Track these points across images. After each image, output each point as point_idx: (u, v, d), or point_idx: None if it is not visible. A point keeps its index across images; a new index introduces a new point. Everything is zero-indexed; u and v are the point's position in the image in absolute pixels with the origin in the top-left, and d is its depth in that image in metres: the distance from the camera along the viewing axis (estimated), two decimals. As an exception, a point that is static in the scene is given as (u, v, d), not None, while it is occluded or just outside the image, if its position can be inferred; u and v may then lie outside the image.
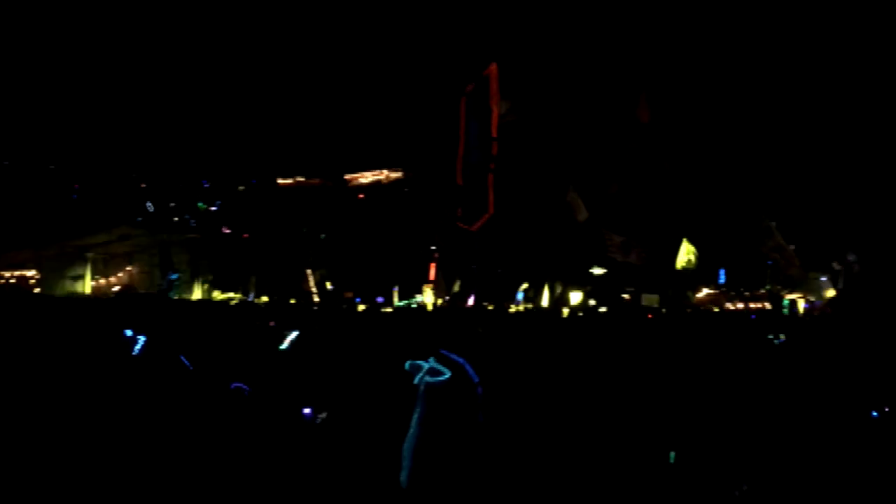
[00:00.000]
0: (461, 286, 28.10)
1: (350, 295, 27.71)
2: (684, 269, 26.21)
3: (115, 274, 27.82)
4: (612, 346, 11.78)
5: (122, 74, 36.55)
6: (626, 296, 27.98)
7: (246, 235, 34.45)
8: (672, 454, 6.21)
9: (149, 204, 36.39)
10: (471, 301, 24.60)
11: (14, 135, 36.63)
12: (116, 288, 27.07)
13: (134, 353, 8.21)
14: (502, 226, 20.89)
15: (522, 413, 6.74)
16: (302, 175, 39.53)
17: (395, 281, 28.53)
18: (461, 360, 4.56)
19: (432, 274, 29.00)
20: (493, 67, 17.73)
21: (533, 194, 27.73)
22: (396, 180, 38.94)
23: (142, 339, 8.25)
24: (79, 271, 27.27)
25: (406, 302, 27.77)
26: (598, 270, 28.16)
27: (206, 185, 41.17)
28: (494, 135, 17.46)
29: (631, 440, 6.46)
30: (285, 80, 37.63)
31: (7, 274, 27.48)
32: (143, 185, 39.80)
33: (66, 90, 36.22)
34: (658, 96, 27.47)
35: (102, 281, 27.47)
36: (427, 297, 28.36)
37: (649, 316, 22.43)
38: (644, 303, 26.53)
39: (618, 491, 5.69)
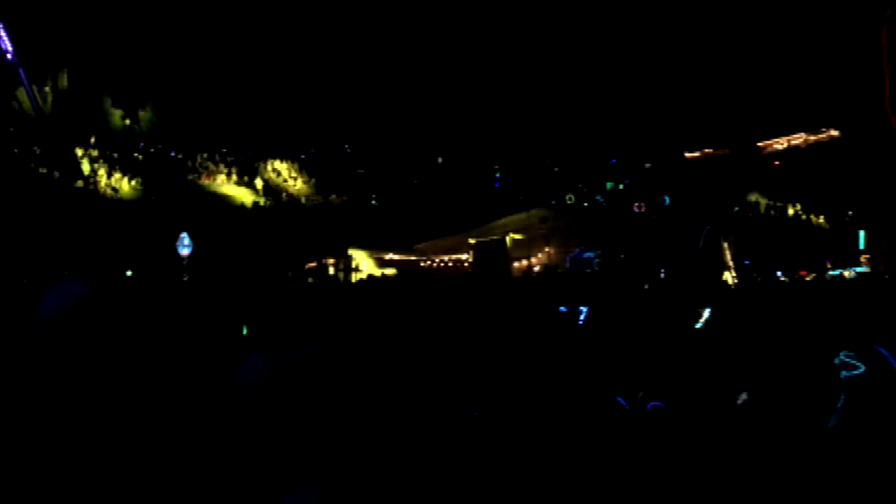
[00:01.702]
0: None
1: (765, 270, 26.04)
2: None
3: (534, 254, 29.78)
4: None
5: (533, 75, 38.86)
6: None
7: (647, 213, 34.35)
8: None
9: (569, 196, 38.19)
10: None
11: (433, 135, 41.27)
12: (537, 268, 28.97)
13: (580, 323, 8.83)
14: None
15: None
16: (710, 147, 38.25)
17: (823, 251, 26.06)
18: (885, 351, 4.05)
19: (871, 242, 25.83)
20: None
21: None
22: (816, 143, 35.47)
23: (584, 309, 8.79)
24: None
25: (840, 272, 25.04)
26: None
27: (612, 164, 42.10)
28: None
29: None
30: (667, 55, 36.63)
31: (446, 257, 31.03)
32: (556, 170, 42.19)
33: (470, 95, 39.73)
34: None
35: (524, 262, 29.58)
36: (865, 268, 25.32)
37: None
38: None
39: None
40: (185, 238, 24.11)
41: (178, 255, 24.04)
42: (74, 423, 2.50)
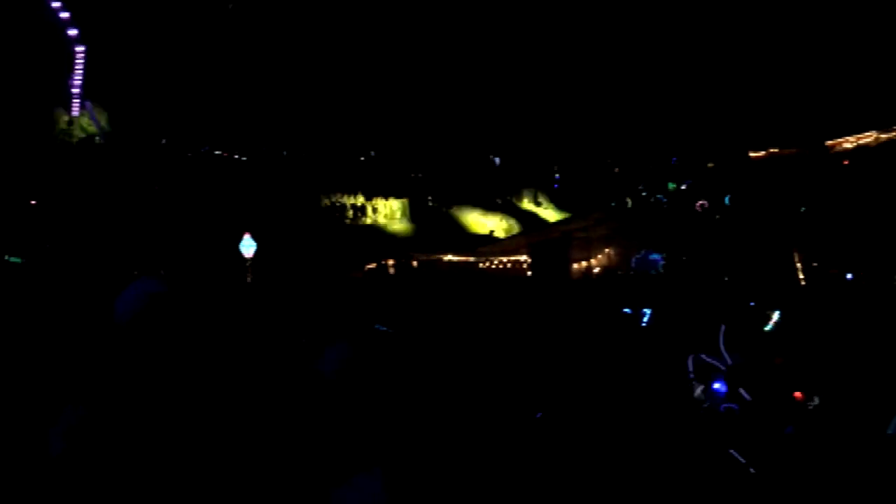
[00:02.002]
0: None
1: (835, 272, 25.22)
2: None
3: (594, 256, 29.53)
4: None
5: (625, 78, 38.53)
6: None
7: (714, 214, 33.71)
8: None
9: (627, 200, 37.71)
10: None
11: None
12: (596, 270, 28.70)
13: (642, 325, 8.77)
14: None
15: None
16: (775, 146, 37.34)
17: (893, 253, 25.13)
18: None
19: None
20: None
21: None
22: (888, 141, 34.31)
23: (647, 311, 8.75)
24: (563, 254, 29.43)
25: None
26: None
27: (674, 163, 41.46)
28: None
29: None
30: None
31: (504, 259, 30.99)
32: (616, 170, 41.76)
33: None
34: None
35: (584, 263, 29.35)
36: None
37: None
38: None
39: None
40: (248, 239, 24.68)
41: (241, 255, 24.60)
42: (164, 415, 2.58)
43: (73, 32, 36.38)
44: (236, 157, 37.32)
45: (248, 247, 24.55)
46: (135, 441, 2.48)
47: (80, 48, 36.25)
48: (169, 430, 2.55)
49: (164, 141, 36.35)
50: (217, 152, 37.34)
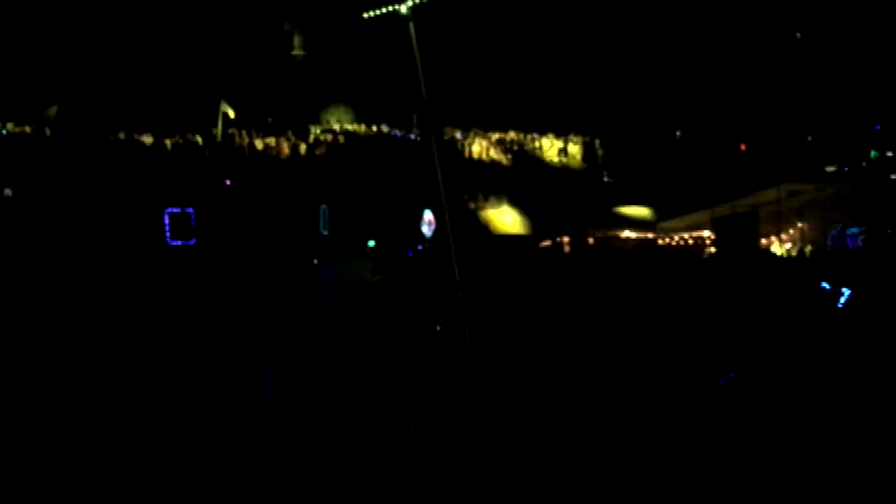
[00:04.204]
0: None
1: None
2: None
3: (785, 231, 27.85)
4: None
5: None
6: None
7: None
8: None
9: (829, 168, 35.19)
10: None
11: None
12: (788, 246, 27.07)
13: (839, 306, 8.24)
14: None
15: None
16: None
17: None
18: None
19: None
20: None
21: None
22: None
23: (847, 291, 8.18)
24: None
25: None
26: None
27: (877, 129, 37.99)
28: None
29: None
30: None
31: (686, 235, 29.92)
32: (809, 138, 38.85)
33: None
34: None
35: (773, 238, 27.79)
36: None
37: None
38: None
39: None
40: (428, 217, 25.46)
41: (422, 235, 25.44)
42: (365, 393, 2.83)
43: None
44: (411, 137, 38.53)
45: (428, 227, 25.37)
46: (322, 392, 2.88)
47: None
48: (347, 386, 2.87)
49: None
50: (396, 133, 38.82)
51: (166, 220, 25.56)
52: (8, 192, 28.75)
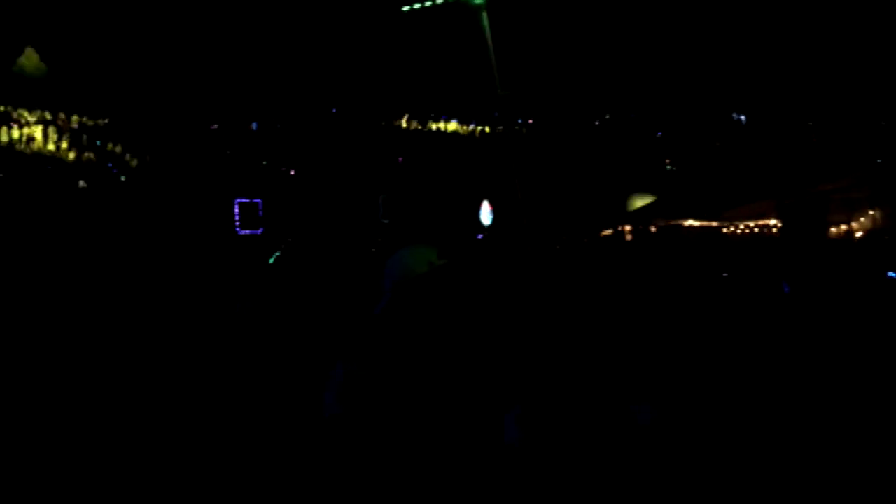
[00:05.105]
0: None
1: None
2: None
3: (856, 219, 26.94)
4: None
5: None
6: None
7: None
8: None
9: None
10: None
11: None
12: (859, 234, 26.24)
13: None
14: None
15: None
16: None
17: None
18: None
19: None
20: None
21: None
22: None
23: None
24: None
25: None
26: None
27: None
28: None
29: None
30: None
31: (751, 223, 29.26)
32: (883, 123, 37.52)
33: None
34: None
35: (843, 227, 26.95)
36: None
37: None
38: None
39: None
40: (486, 208, 25.57)
41: (480, 223, 25.56)
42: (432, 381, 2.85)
43: None
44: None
45: (487, 215, 25.49)
46: (390, 392, 2.81)
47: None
48: (413, 383, 2.83)
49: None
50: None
51: (236, 210, 26.13)
52: (83, 183, 29.87)
